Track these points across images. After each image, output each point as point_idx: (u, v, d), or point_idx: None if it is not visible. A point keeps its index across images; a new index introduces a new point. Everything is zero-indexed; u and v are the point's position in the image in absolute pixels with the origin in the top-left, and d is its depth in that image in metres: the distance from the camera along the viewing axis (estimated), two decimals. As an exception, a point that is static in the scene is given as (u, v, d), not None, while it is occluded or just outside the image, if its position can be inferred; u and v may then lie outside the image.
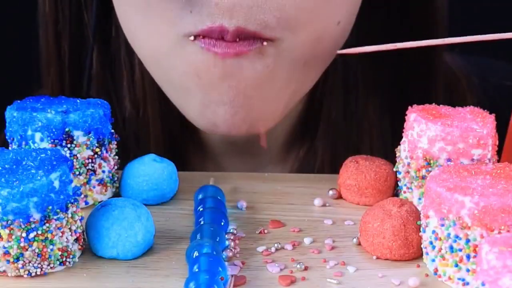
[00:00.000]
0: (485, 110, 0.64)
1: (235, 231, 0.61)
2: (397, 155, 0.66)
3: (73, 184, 0.57)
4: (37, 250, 0.55)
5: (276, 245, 0.59)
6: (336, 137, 0.82)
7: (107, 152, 0.65)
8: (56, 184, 0.55)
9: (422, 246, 0.57)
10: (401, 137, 0.65)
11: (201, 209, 0.61)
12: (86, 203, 0.65)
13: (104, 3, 0.79)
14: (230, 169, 0.84)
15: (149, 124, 0.81)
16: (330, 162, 0.81)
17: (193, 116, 0.71)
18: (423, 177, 0.63)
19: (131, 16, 0.70)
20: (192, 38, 0.66)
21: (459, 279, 0.55)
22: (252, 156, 0.83)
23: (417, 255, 0.58)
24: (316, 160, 0.82)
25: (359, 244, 0.60)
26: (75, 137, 0.63)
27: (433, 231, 0.56)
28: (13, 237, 0.54)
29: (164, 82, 0.73)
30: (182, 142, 0.83)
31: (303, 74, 0.71)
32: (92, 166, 0.64)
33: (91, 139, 0.63)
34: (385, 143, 0.81)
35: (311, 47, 0.68)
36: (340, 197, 0.67)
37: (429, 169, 0.62)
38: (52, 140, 0.62)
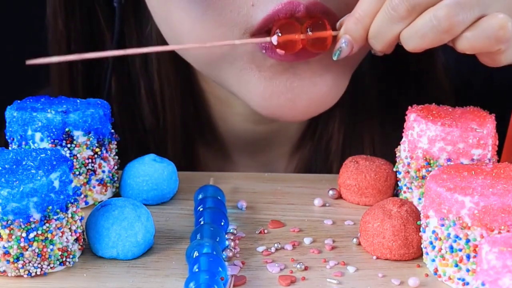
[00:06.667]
0: (486, 110, 0.64)
1: (235, 231, 0.61)
2: (397, 155, 0.66)
3: (73, 184, 0.57)
4: (37, 250, 0.55)
5: (276, 245, 0.59)
6: (348, 127, 0.81)
7: (107, 152, 0.65)
8: (56, 184, 0.55)
9: (422, 246, 0.58)
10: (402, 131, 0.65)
11: (201, 209, 0.61)
12: (86, 203, 0.65)
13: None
14: (241, 164, 0.83)
15: (167, 129, 0.80)
16: (341, 156, 0.80)
17: (254, 105, 0.70)
18: (423, 177, 0.63)
19: (183, 19, 0.68)
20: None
21: (459, 279, 0.55)
22: (263, 152, 0.83)
23: (417, 255, 0.58)
24: (330, 151, 0.81)
25: (359, 244, 0.60)
26: (75, 137, 0.63)
27: (433, 231, 0.56)
28: (13, 237, 0.54)
29: (219, 78, 0.71)
30: (199, 142, 0.83)
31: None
32: (92, 166, 0.64)
33: (91, 139, 0.63)
34: (388, 141, 0.81)
35: None
36: (340, 197, 0.67)
37: (429, 169, 0.62)
38: (52, 140, 0.62)
